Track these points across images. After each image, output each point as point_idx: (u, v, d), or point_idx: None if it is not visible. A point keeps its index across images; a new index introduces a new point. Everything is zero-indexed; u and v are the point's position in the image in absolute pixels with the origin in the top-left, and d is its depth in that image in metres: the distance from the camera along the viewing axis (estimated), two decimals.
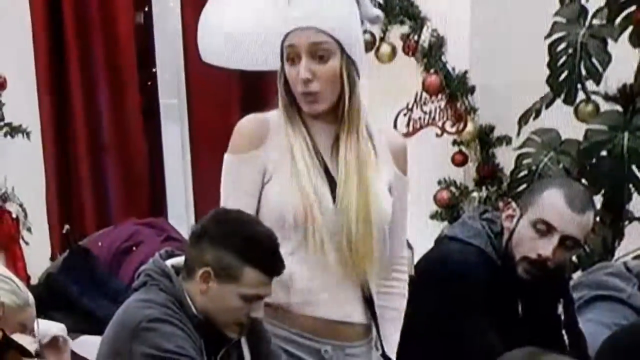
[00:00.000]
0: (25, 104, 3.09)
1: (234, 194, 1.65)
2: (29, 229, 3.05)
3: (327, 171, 1.63)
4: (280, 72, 1.65)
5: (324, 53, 1.60)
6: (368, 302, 1.68)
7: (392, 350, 1.71)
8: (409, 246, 1.88)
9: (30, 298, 1.41)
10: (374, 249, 1.63)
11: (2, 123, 3.00)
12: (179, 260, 1.61)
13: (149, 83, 3.24)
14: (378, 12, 1.71)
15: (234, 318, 1.54)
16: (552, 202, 1.82)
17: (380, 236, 1.65)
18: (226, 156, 1.66)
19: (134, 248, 2.75)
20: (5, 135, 3.02)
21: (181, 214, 3.18)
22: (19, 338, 1.35)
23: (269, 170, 1.63)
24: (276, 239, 1.55)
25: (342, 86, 1.62)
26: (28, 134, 2.99)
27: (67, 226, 3.00)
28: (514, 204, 1.88)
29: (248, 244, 1.52)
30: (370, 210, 1.62)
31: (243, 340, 1.59)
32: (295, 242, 1.61)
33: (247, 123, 1.66)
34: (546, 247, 1.81)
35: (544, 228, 1.82)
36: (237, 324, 1.55)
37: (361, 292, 1.67)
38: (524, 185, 2.49)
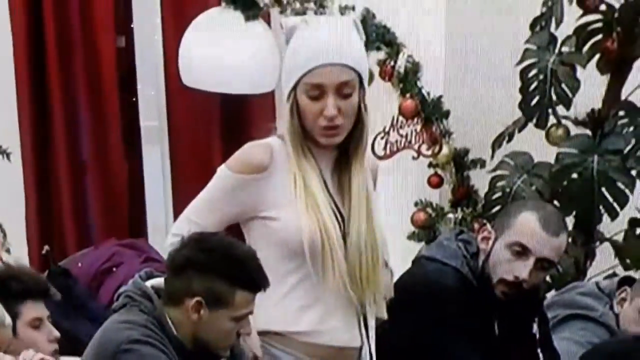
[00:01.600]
0: (5, 125, 3.08)
1: (214, 206, 1.65)
2: (7, 250, 3.04)
3: (334, 202, 1.66)
4: (292, 105, 1.62)
5: (350, 90, 1.61)
6: (364, 324, 1.70)
7: None
8: (388, 267, 1.90)
9: (7, 319, 1.42)
10: (378, 279, 1.67)
11: None
12: (159, 281, 1.62)
13: (130, 105, 3.26)
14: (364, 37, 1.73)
15: (227, 339, 1.56)
16: (527, 225, 1.86)
17: (382, 260, 1.69)
18: (225, 169, 1.66)
19: (114, 269, 2.74)
20: None
21: (161, 235, 3.18)
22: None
23: (267, 199, 1.63)
24: (256, 254, 1.57)
25: (359, 117, 1.64)
26: (8, 155, 2.98)
27: (46, 247, 2.99)
28: (489, 226, 1.93)
29: (236, 268, 1.54)
30: (376, 238, 1.66)
31: None
32: (305, 271, 1.62)
33: (254, 149, 1.66)
34: (522, 270, 1.85)
35: (520, 250, 1.86)
36: (229, 342, 1.57)
37: (359, 315, 1.70)
38: (498, 207, 2.54)
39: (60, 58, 3.11)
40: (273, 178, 1.64)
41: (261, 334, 1.65)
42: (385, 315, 1.80)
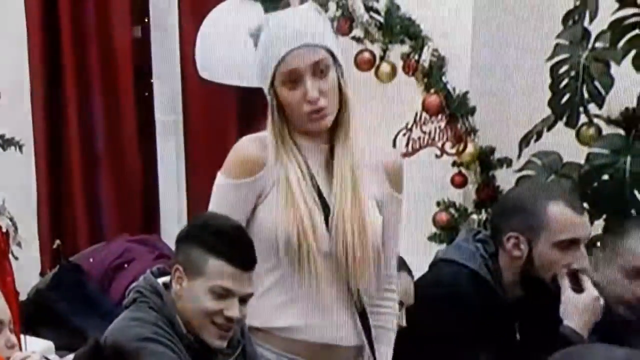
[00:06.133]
0: (18, 117, 3.06)
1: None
2: (18, 244, 3.01)
3: (320, 194, 1.63)
4: (272, 98, 1.62)
5: (325, 68, 1.60)
6: (362, 323, 1.67)
7: None
8: (409, 273, 1.86)
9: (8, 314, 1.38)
10: (370, 270, 1.63)
11: None
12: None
13: (145, 97, 3.21)
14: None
15: (209, 318, 1.51)
16: (562, 218, 1.84)
17: (375, 255, 1.65)
18: (222, 179, 1.64)
19: (126, 265, 2.72)
20: None
21: (174, 231, 3.12)
22: None
23: (264, 192, 1.62)
24: (245, 231, 1.55)
25: (340, 94, 1.63)
26: (21, 147, 2.96)
27: (58, 241, 2.96)
28: (521, 237, 1.86)
29: (211, 234, 1.53)
30: (367, 232, 1.62)
31: None
32: (287, 268, 1.60)
33: (248, 148, 1.64)
34: (579, 259, 1.84)
35: (568, 244, 1.84)
36: (214, 324, 1.52)
37: (354, 313, 1.66)
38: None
39: (75, 48, 3.09)
40: (269, 173, 1.63)
41: None
42: (404, 323, 1.79)
